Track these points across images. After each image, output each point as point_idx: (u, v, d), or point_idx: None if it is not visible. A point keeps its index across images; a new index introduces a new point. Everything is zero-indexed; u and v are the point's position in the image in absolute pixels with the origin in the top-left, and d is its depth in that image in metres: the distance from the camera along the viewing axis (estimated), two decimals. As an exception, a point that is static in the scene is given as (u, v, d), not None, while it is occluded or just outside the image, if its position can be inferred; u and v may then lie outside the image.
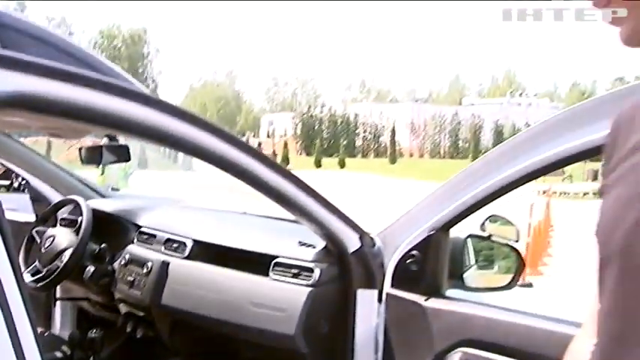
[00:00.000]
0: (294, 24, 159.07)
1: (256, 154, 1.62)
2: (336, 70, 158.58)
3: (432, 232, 1.82)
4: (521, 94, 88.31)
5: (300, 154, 53.80)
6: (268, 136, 66.60)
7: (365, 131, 60.86)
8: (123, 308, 2.48)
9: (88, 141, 2.34)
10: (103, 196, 3.10)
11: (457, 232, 1.96)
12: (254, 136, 70.46)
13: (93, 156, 2.30)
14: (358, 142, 60.15)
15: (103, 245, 2.54)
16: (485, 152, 1.94)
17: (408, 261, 1.85)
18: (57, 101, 1.18)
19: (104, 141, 2.27)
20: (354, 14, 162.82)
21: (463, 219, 1.80)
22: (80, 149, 2.31)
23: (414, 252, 1.85)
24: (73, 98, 1.20)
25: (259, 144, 48.35)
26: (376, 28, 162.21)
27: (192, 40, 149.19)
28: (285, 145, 43.73)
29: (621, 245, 0.69)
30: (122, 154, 2.23)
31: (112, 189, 3.69)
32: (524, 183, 1.68)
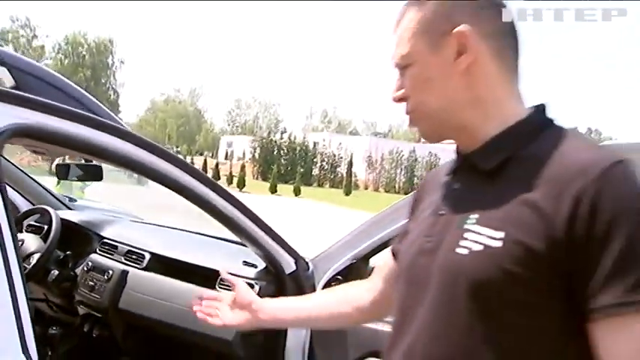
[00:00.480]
0: (261, 48, 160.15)
1: (213, 184, 1.94)
2: (300, 98, 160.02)
3: (354, 261, 2.18)
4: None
5: (257, 178, 53.53)
6: (226, 158, 66.19)
7: (323, 161, 60.81)
8: (81, 310, 2.75)
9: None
10: (67, 207, 3.37)
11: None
12: (212, 156, 69.90)
13: (63, 171, 2.60)
14: (315, 171, 60.06)
15: (68, 252, 2.81)
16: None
17: (332, 284, 2.20)
18: (57, 133, 1.51)
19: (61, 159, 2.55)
20: (323, 44, 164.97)
21: (380, 251, 2.16)
22: (57, 165, 2.62)
23: (338, 276, 2.20)
24: (67, 131, 1.52)
25: (217, 165, 48.08)
26: (343, 59, 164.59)
27: (158, 54, 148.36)
28: (243, 168, 43.54)
29: (407, 266, 1.11)
30: (95, 173, 2.53)
31: (70, 199, 3.91)
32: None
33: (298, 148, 58.84)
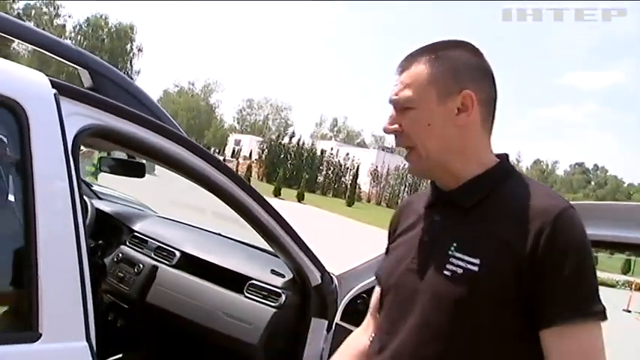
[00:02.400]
0: (279, 51, 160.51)
1: (251, 191, 2.03)
2: (311, 104, 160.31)
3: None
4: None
5: (262, 179, 53.42)
6: (233, 155, 66.30)
7: (329, 169, 60.71)
8: (107, 299, 2.85)
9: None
10: (98, 197, 3.47)
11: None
12: (219, 152, 69.97)
13: (107, 164, 2.70)
14: (320, 179, 59.99)
15: (100, 242, 2.90)
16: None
17: (358, 301, 2.29)
18: (126, 135, 1.61)
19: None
20: (340, 52, 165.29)
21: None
22: (101, 158, 2.72)
23: (363, 294, 2.29)
24: (137, 134, 1.62)
25: (223, 161, 48.18)
26: (358, 70, 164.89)
27: (176, 45, 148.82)
28: (249, 168, 43.74)
29: (396, 283, 1.33)
30: (138, 170, 2.62)
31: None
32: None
33: (306, 154, 58.75)
